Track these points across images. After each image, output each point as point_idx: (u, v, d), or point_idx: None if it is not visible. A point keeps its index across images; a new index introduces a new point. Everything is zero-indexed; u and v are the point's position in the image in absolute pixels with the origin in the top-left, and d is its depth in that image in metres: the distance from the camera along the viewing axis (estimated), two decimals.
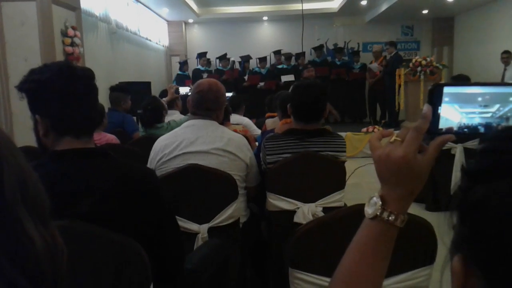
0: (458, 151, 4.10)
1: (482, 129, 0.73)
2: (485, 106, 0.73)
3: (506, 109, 0.72)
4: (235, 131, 2.63)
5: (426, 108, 0.73)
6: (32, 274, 0.58)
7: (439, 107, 0.73)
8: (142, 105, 3.85)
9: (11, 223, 0.58)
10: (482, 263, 0.46)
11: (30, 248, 0.58)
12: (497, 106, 0.73)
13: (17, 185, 0.60)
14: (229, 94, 6.40)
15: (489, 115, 0.73)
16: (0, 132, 0.64)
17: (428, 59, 7.92)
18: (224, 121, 3.60)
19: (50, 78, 1.26)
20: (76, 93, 1.28)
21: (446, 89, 0.73)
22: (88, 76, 1.33)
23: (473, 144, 4.08)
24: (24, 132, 4.48)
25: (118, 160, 1.33)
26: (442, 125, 0.74)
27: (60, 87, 1.26)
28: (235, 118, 4.44)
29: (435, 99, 0.73)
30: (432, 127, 0.73)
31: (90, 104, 1.33)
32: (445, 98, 0.73)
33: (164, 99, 4.35)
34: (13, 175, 0.60)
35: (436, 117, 0.73)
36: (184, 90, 4.65)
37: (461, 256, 0.49)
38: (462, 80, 4.83)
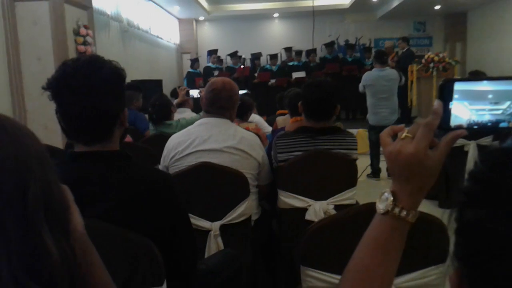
0: (471, 148, 4.06)
1: (505, 124, 0.73)
2: (496, 103, 0.72)
3: None
4: (247, 129, 2.64)
5: (436, 103, 0.73)
6: (47, 285, 0.61)
7: (450, 103, 0.73)
8: (150, 102, 3.87)
9: (32, 238, 0.61)
10: (472, 283, 0.47)
11: (47, 262, 0.61)
12: (507, 103, 0.72)
13: (42, 200, 0.63)
14: (241, 92, 6.41)
15: (499, 112, 0.73)
16: (33, 143, 0.67)
17: (441, 55, 7.84)
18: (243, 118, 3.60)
19: (58, 84, 1.23)
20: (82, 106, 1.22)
21: (457, 85, 0.73)
22: (100, 86, 1.24)
23: (486, 141, 4.04)
24: (38, 130, 4.53)
25: (137, 164, 1.33)
26: (452, 122, 0.74)
27: (65, 97, 1.23)
28: None
29: (445, 94, 0.73)
30: (443, 123, 0.73)
31: (97, 116, 1.25)
32: (455, 95, 0.73)
33: (174, 101, 4.37)
34: (39, 189, 0.63)
35: (447, 112, 0.73)
36: (194, 92, 4.65)
37: (457, 267, 0.49)
38: (479, 76, 4.79)
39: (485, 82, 0.73)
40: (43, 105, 4.48)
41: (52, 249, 0.62)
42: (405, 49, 9.06)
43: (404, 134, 0.74)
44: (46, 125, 4.58)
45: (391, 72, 5.65)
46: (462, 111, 0.74)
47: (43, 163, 0.66)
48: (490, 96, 0.72)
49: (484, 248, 0.44)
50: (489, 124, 0.73)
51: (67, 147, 2.90)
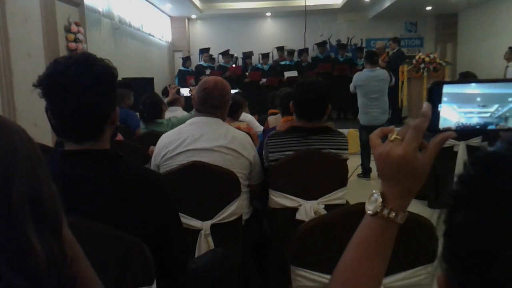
0: (460, 148, 4.10)
1: (493, 127, 0.74)
2: (484, 106, 0.73)
3: (505, 109, 0.73)
4: (239, 128, 2.64)
5: (425, 106, 0.73)
6: (33, 283, 0.60)
7: (439, 105, 0.74)
8: (141, 101, 3.86)
9: (15, 234, 0.61)
10: (461, 285, 0.47)
11: (32, 259, 0.61)
12: (495, 106, 0.73)
13: (28, 197, 0.63)
14: (233, 91, 6.41)
15: (487, 115, 0.73)
16: (22, 140, 0.66)
17: (432, 55, 7.89)
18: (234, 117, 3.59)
19: (49, 81, 1.22)
20: (74, 104, 1.22)
21: (446, 88, 0.74)
22: (93, 84, 1.24)
23: (476, 141, 4.08)
24: (28, 128, 4.46)
25: (127, 163, 1.32)
26: (441, 125, 0.75)
27: (56, 94, 1.22)
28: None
29: (434, 97, 0.73)
30: (432, 125, 0.74)
31: (89, 115, 1.25)
32: (444, 98, 0.73)
33: (165, 99, 4.36)
34: (25, 186, 0.62)
35: (436, 115, 0.74)
36: (184, 90, 4.63)
37: (445, 269, 0.50)
38: (470, 77, 4.83)
39: (473, 85, 0.74)
40: (33, 102, 4.44)
41: (37, 246, 0.61)
42: (395, 50, 9.11)
43: (393, 136, 0.74)
44: (36, 123, 4.54)
45: (381, 73, 5.72)
46: (451, 114, 0.74)
47: (32, 161, 0.66)
48: (478, 99, 0.73)
49: (473, 251, 0.45)
50: (478, 126, 0.74)
51: (57, 145, 2.87)
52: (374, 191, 0.77)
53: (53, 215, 0.68)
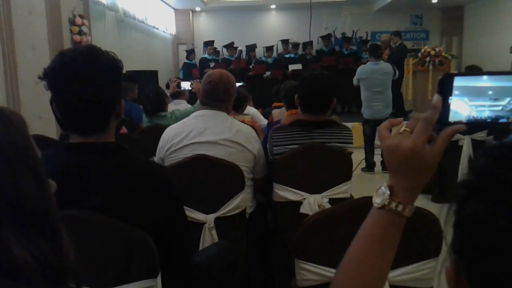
0: (465, 142, 4.08)
1: (504, 120, 0.73)
2: (495, 99, 0.72)
3: None
4: (243, 121, 2.64)
5: (436, 98, 0.72)
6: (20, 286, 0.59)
7: (450, 97, 0.73)
8: (145, 93, 3.86)
9: None
10: (470, 277, 0.47)
11: (13, 266, 0.58)
12: (507, 99, 0.72)
13: (6, 205, 0.59)
14: (238, 84, 6.39)
15: (499, 108, 0.73)
16: (4, 137, 0.62)
17: (437, 49, 7.83)
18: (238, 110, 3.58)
19: (54, 74, 1.22)
20: (79, 97, 1.21)
21: (457, 81, 0.72)
22: (98, 76, 1.23)
23: (481, 136, 4.05)
24: (32, 121, 4.51)
25: (132, 156, 1.33)
26: (452, 118, 0.74)
27: (61, 86, 1.22)
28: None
29: (445, 89, 0.72)
30: (442, 118, 0.73)
31: (94, 107, 1.25)
32: (455, 91, 0.72)
33: (167, 92, 4.36)
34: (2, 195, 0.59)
35: (446, 107, 0.73)
36: (185, 84, 4.62)
37: (454, 260, 0.50)
38: (475, 70, 4.79)
39: (485, 77, 0.73)
40: (37, 95, 4.45)
41: (18, 254, 0.58)
42: (397, 43, 9.04)
43: (402, 129, 0.74)
44: (40, 116, 4.54)
45: (385, 66, 5.71)
46: (462, 107, 0.73)
47: (10, 161, 0.61)
48: (490, 92, 0.72)
49: (483, 242, 0.44)
50: (489, 120, 0.73)
51: (62, 138, 2.88)
52: (383, 184, 0.77)
53: (39, 211, 0.64)
